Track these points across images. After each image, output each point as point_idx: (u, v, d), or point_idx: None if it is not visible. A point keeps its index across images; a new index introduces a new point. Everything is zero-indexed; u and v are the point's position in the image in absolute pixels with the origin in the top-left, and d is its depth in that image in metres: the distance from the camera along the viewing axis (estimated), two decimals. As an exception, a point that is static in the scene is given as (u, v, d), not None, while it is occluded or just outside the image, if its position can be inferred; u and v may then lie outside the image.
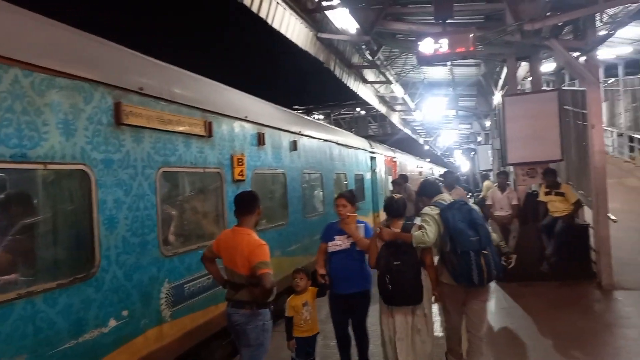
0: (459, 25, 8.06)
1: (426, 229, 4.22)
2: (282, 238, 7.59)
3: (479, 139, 27.01)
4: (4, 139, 3.03)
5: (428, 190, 4.83)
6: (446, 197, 4.65)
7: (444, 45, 6.27)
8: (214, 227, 5.66)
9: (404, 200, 4.71)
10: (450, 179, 8.64)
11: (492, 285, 8.32)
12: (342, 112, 30.27)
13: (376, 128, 32.25)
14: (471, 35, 6.18)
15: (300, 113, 23.20)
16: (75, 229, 3.75)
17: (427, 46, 6.36)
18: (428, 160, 43.46)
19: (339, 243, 4.78)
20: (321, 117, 28.82)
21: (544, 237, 8.27)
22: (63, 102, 3.54)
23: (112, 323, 3.92)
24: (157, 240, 4.53)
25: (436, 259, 4.47)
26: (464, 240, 4.13)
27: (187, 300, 4.95)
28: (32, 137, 3.25)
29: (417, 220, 4.54)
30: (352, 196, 4.94)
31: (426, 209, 4.54)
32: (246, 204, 4.16)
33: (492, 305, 7.48)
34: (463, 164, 49.96)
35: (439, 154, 52.01)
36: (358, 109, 29.53)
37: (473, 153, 34.42)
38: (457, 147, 47.92)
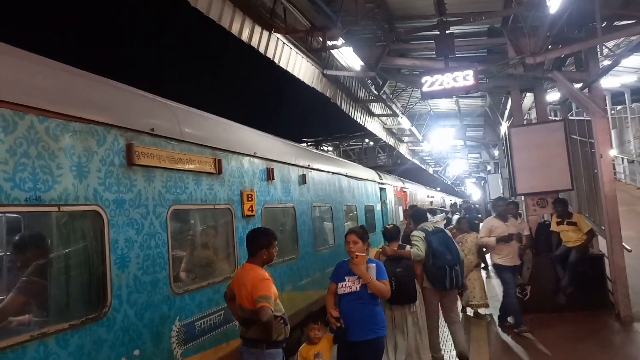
0: (462, 59, 8.21)
1: (419, 246, 5.91)
2: (293, 272, 7.56)
3: (489, 167, 26.95)
4: (19, 183, 3.13)
5: (418, 217, 6.63)
6: (429, 225, 6.32)
7: (446, 80, 6.39)
8: (225, 263, 5.68)
9: (396, 228, 6.17)
10: (503, 209, 7.95)
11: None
12: (350, 143, 30.42)
13: (385, 158, 32.33)
14: (473, 70, 6.29)
15: (310, 145, 23.50)
16: (87, 269, 3.79)
17: (430, 82, 6.49)
18: (439, 189, 43.28)
19: (349, 285, 4.50)
20: (330, 148, 29.01)
21: (559, 268, 8.15)
22: (77, 145, 3.65)
23: (123, 363, 3.91)
24: (169, 278, 4.55)
25: None
26: (442, 258, 5.85)
27: (198, 337, 4.91)
28: (46, 181, 3.34)
29: (408, 247, 5.92)
30: (363, 232, 4.71)
31: (415, 232, 6.20)
32: (249, 241, 4.23)
33: (507, 339, 7.32)
34: (474, 193, 49.67)
35: (449, 183, 51.85)
36: (367, 140, 29.68)
37: (484, 182, 34.29)
38: (467, 176, 47.82)
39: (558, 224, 8.26)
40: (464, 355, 6.21)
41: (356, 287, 4.47)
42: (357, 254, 4.50)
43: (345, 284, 4.53)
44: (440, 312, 6.41)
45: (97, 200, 3.79)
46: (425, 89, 6.64)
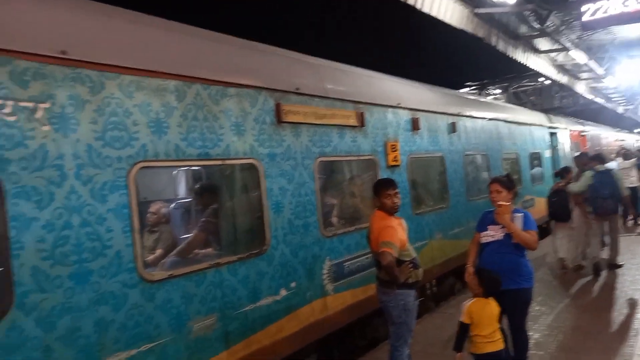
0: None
1: (579, 183, 8.02)
2: (443, 221, 7.59)
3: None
4: (191, 142, 3.83)
5: (595, 159, 8.45)
6: (599, 167, 8.06)
7: (613, 6, 5.37)
8: (370, 211, 6.00)
9: (566, 168, 8.88)
10: None
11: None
12: (522, 84, 27.57)
13: (564, 99, 28.64)
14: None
15: (473, 89, 22.11)
16: (249, 213, 4.49)
17: (592, 10, 5.54)
18: (638, 130, 36.89)
19: (492, 234, 4.37)
20: (497, 91, 26.87)
21: None
22: (234, 107, 4.26)
23: (283, 292, 4.58)
24: (318, 223, 5.07)
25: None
26: (596, 192, 7.79)
27: (347, 277, 5.41)
28: (212, 139, 4.01)
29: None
30: (508, 181, 4.51)
31: (586, 172, 8.09)
32: (373, 190, 4.46)
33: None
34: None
35: (647, 123, 43.75)
36: (541, 79, 26.53)
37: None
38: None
39: None
40: (598, 262, 8.03)
41: (499, 237, 4.33)
42: (500, 203, 4.33)
43: (488, 233, 4.42)
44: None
45: (253, 154, 4.40)
46: (586, 18, 5.74)
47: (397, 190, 4.35)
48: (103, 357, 3.08)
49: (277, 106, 4.69)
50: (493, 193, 4.41)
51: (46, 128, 2.90)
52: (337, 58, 6.26)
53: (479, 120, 9.20)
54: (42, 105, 2.89)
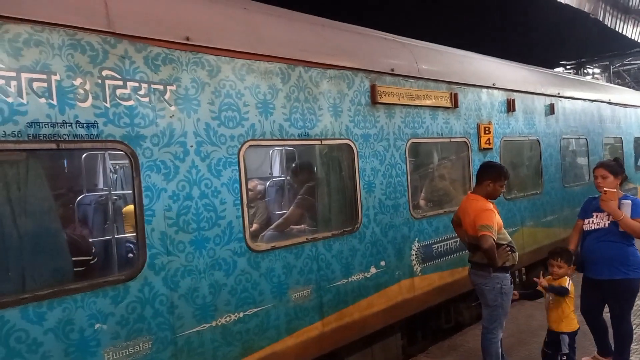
0: None
1: None
2: (536, 207, 7.30)
3: None
4: (293, 122, 4.03)
5: None
6: None
7: None
8: (461, 194, 5.92)
9: None
10: None
11: None
12: (625, 62, 25.25)
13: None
14: None
15: (569, 68, 20.52)
16: (343, 191, 4.64)
17: None
18: None
19: (596, 221, 4.25)
20: (596, 70, 24.79)
21: None
22: (332, 89, 4.39)
23: (373, 270, 4.71)
24: (408, 204, 5.12)
25: None
26: None
27: (435, 259, 5.42)
28: (311, 120, 4.18)
29: None
30: (617, 166, 4.33)
31: None
32: (479, 170, 4.41)
33: None
34: None
35: None
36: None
37: None
38: None
39: None
40: None
41: (604, 224, 4.20)
42: (605, 189, 4.17)
43: (592, 220, 4.30)
44: None
45: (348, 135, 4.52)
46: None
47: None
48: (217, 317, 3.41)
49: (373, 87, 4.74)
50: (598, 178, 4.28)
51: (173, 108, 3.22)
52: (424, 39, 6.15)
53: (579, 102, 8.63)
54: (170, 88, 3.20)
